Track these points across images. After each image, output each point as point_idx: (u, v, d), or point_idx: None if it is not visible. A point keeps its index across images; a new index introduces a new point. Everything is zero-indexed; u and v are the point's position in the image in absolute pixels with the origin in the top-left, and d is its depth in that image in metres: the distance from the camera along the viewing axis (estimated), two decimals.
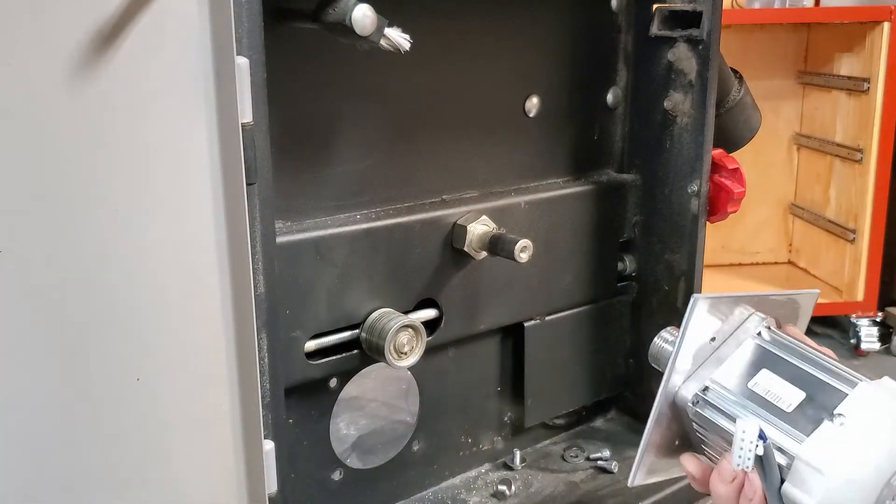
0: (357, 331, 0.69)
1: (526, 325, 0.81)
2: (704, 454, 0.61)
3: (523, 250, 0.70)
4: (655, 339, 0.64)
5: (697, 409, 0.58)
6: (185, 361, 0.52)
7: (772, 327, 0.61)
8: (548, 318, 0.82)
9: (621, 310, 0.88)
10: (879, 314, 2.42)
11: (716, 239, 2.64)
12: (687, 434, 0.61)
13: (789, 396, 0.56)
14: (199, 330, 0.52)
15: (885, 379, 0.56)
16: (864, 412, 0.53)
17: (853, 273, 2.39)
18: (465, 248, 0.72)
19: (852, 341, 2.45)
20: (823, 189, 2.54)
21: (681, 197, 0.80)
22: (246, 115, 0.51)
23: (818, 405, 0.55)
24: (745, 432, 0.52)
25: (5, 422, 0.47)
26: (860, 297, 2.38)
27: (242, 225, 0.51)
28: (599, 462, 0.85)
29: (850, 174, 2.39)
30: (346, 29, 0.55)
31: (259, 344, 0.54)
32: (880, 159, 2.28)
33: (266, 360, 0.55)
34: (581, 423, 0.92)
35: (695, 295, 0.58)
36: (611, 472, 0.84)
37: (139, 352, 0.51)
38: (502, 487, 0.80)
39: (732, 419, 0.56)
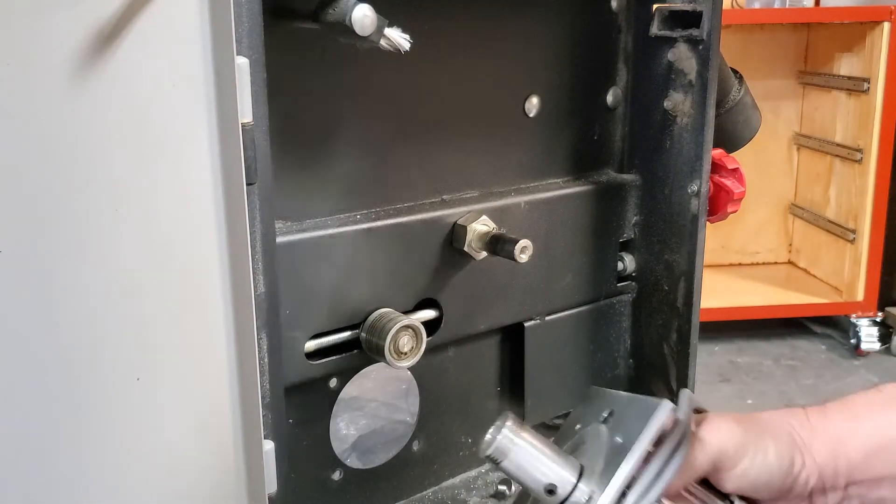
0: (357, 331, 0.69)
1: (526, 325, 0.81)
2: None
3: (523, 250, 0.70)
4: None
5: None
6: (185, 361, 0.52)
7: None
8: (548, 318, 0.82)
9: (621, 310, 0.88)
10: (879, 314, 2.42)
11: (716, 239, 2.64)
12: None
13: None
14: (199, 330, 0.52)
15: None
16: None
17: (853, 273, 2.39)
18: (465, 248, 0.72)
19: (852, 341, 2.45)
20: (823, 189, 2.54)
21: (681, 197, 0.80)
22: (246, 115, 0.51)
23: None
24: None
25: (4, 422, 0.47)
26: (860, 297, 2.38)
27: (242, 225, 0.51)
28: None
29: (850, 174, 2.39)
30: (346, 29, 0.55)
31: (259, 344, 0.54)
32: (880, 159, 2.28)
33: (266, 360, 0.55)
34: None
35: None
36: None
37: (139, 352, 0.51)
38: (502, 487, 0.80)
39: None
